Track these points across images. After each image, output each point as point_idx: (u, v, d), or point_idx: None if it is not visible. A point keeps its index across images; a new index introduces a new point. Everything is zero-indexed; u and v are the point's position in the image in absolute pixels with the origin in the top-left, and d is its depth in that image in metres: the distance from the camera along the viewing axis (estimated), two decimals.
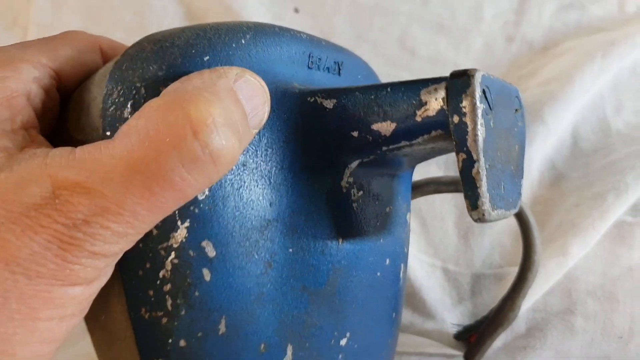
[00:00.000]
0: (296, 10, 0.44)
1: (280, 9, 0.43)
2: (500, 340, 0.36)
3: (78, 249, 0.16)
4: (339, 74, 0.25)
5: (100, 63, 0.23)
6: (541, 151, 0.39)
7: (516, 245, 0.38)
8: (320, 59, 0.24)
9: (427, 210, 0.39)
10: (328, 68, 0.24)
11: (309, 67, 0.23)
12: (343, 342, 0.24)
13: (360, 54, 0.42)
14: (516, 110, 0.22)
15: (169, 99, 0.17)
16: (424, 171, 0.39)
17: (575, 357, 0.35)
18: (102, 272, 0.17)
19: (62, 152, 0.16)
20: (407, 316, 0.37)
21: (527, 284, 0.32)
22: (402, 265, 0.26)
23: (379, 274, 0.25)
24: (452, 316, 0.37)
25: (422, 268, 0.38)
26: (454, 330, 0.36)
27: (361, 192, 0.23)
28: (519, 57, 0.42)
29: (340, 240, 0.23)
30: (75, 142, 0.20)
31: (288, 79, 0.22)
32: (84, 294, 0.17)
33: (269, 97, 0.19)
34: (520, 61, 0.42)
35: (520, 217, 0.32)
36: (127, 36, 0.42)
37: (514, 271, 0.34)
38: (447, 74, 0.43)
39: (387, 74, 0.43)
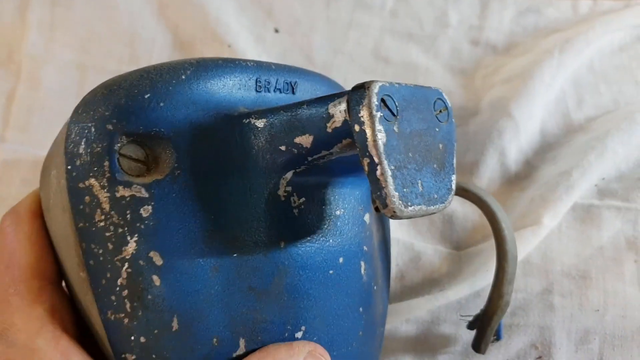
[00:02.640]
0: (276, 31, 0.47)
1: (261, 30, 0.46)
2: None
3: None
4: (293, 92, 0.27)
5: None
6: (515, 145, 0.42)
7: None
8: (269, 82, 0.26)
9: None
10: (279, 89, 0.27)
11: (257, 91, 0.26)
12: (299, 334, 0.26)
13: (338, 66, 0.46)
14: (440, 111, 0.24)
15: None
16: None
17: (557, 331, 0.38)
18: None
19: None
20: None
21: (506, 273, 0.34)
22: (362, 262, 0.28)
23: (331, 272, 0.27)
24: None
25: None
26: (464, 321, 0.38)
27: (303, 199, 0.26)
28: (484, 59, 0.46)
29: (282, 243, 0.25)
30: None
31: (233, 104, 0.25)
32: None
33: None
34: (485, 62, 0.46)
35: (487, 211, 0.34)
36: (119, 67, 0.45)
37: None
38: (419, 78, 0.46)
39: None
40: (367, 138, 0.21)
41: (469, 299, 0.39)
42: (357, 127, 0.21)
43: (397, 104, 0.21)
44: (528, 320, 0.38)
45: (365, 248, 0.28)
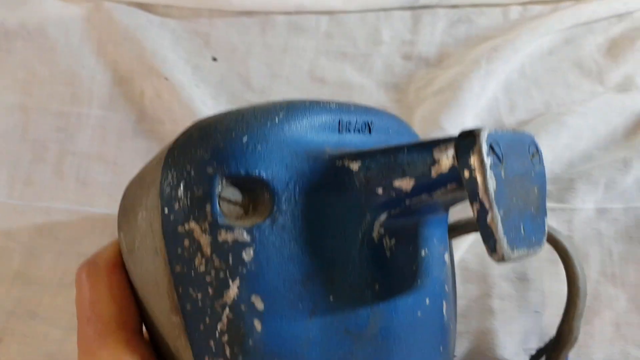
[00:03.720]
0: (214, 59, 0.48)
1: (199, 60, 0.48)
2: None
3: None
4: (370, 132, 0.27)
5: None
6: None
7: None
8: (349, 122, 0.26)
9: None
10: (358, 129, 0.27)
11: (339, 132, 0.26)
12: None
13: (276, 89, 0.47)
14: (533, 155, 0.24)
15: None
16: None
17: (500, 334, 0.39)
18: None
19: None
20: None
21: (577, 309, 0.35)
22: (444, 302, 0.28)
23: (419, 313, 0.27)
24: None
25: None
26: (527, 354, 0.38)
27: (394, 240, 0.26)
28: (417, 72, 0.47)
29: (377, 286, 0.25)
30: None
31: (320, 145, 0.25)
32: None
33: None
34: (418, 76, 0.47)
35: (559, 248, 0.34)
36: (61, 107, 0.46)
37: None
38: (354, 96, 0.48)
39: None
40: (478, 184, 0.21)
41: None
42: (467, 174, 0.21)
43: (502, 149, 0.22)
44: (470, 326, 0.39)
45: (446, 288, 0.29)
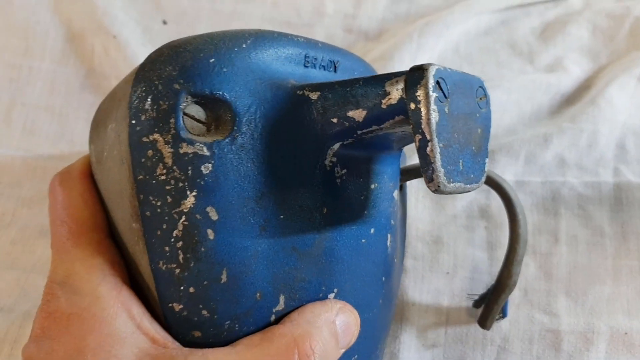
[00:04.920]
0: (164, 22, 0.50)
1: (150, 22, 0.50)
2: None
3: None
4: (335, 71, 0.29)
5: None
6: None
7: None
8: (315, 58, 0.28)
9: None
10: (324, 66, 0.28)
11: (305, 66, 0.27)
12: (331, 295, 0.28)
13: None
14: (480, 98, 0.26)
15: (288, 331, 0.25)
16: None
17: (410, 290, 0.41)
18: None
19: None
20: None
21: (517, 254, 0.36)
22: (388, 235, 0.30)
23: (363, 240, 0.29)
24: None
25: None
26: (471, 300, 0.40)
27: (345, 170, 0.27)
28: (356, 44, 0.49)
29: (325, 210, 0.27)
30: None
31: (284, 76, 0.26)
32: None
33: (359, 323, 0.27)
34: (356, 48, 0.49)
35: (503, 194, 0.36)
36: (14, 59, 0.48)
37: None
38: None
39: None
40: (421, 116, 0.22)
41: None
42: (413, 105, 0.23)
43: (448, 87, 0.23)
44: None
45: (392, 222, 0.31)
